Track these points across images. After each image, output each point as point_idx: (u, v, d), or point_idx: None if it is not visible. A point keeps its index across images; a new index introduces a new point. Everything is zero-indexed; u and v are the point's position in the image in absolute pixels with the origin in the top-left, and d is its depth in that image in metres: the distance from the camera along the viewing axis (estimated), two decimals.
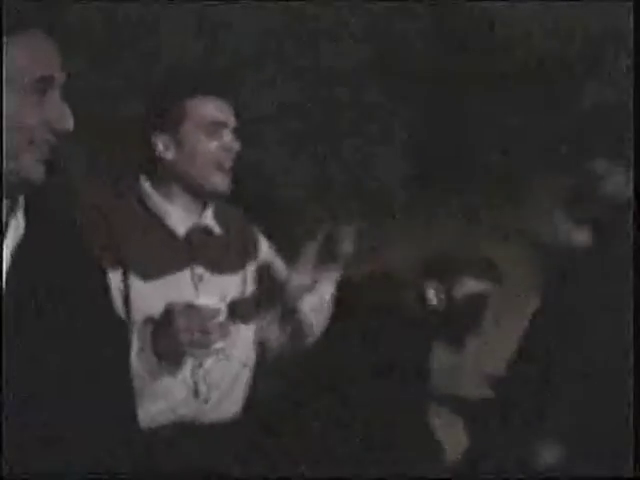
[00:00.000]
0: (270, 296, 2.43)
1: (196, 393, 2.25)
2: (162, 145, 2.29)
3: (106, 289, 1.42)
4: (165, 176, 2.30)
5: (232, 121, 2.35)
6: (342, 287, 2.56)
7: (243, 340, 2.36)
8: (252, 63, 8.14)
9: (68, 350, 1.27)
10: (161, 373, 2.14)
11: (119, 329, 1.34)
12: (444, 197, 9.20)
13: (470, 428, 4.26)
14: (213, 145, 2.31)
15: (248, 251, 2.42)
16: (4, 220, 1.34)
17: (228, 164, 2.32)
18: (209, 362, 2.24)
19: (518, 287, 6.92)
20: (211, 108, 2.32)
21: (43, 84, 1.34)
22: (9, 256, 1.32)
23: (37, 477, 1.25)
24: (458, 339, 3.24)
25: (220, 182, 2.31)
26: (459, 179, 9.37)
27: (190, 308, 2.08)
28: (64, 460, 1.26)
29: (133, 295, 2.19)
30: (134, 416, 1.35)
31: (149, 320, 2.16)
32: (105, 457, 1.29)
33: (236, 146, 2.33)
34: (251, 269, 2.40)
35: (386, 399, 3.02)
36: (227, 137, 2.32)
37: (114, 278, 2.14)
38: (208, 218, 2.33)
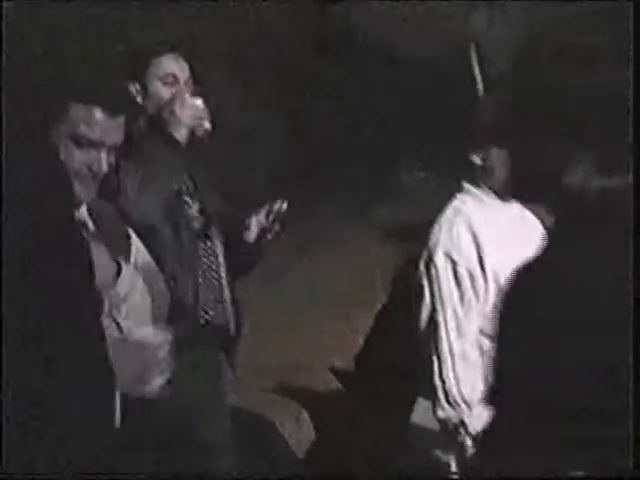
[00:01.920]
0: None
1: None
2: None
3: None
4: None
5: None
6: None
7: None
8: None
9: (68, 350, 1.27)
10: None
11: None
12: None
13: (317, 422, 4.13)
14: None
15: (120, 249, 2.30)
16: None
17: None
18: None
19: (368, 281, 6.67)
20: None
21: None
22: None
23: (37, 477, 1.25)
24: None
25: None
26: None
27: None
28: (64, 460, 1.26)
29: None
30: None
31: None
32: (104, 457, 1.28)
33: None
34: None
35: None
36: None
37: None
38: (83, 214, 2.28)
